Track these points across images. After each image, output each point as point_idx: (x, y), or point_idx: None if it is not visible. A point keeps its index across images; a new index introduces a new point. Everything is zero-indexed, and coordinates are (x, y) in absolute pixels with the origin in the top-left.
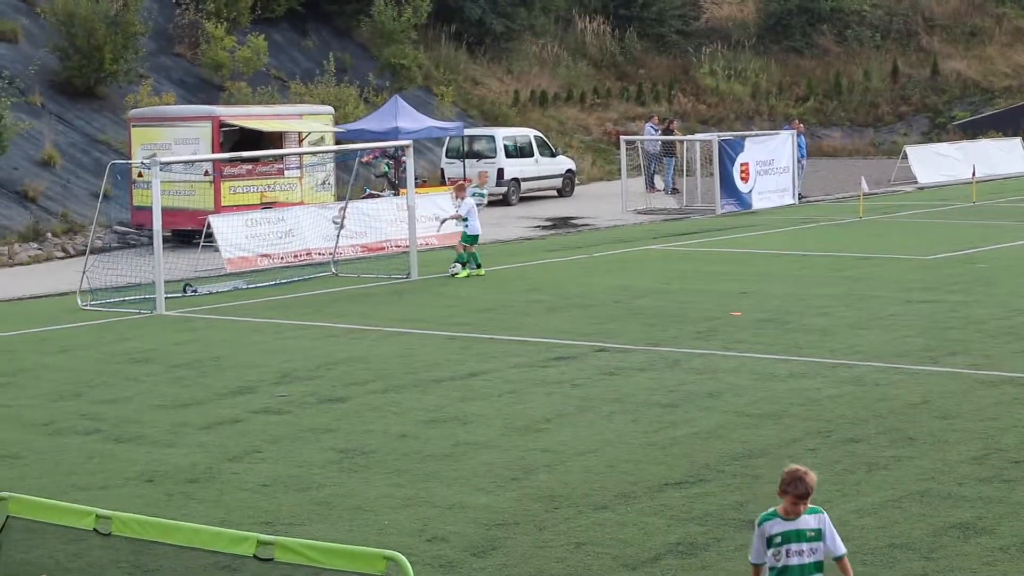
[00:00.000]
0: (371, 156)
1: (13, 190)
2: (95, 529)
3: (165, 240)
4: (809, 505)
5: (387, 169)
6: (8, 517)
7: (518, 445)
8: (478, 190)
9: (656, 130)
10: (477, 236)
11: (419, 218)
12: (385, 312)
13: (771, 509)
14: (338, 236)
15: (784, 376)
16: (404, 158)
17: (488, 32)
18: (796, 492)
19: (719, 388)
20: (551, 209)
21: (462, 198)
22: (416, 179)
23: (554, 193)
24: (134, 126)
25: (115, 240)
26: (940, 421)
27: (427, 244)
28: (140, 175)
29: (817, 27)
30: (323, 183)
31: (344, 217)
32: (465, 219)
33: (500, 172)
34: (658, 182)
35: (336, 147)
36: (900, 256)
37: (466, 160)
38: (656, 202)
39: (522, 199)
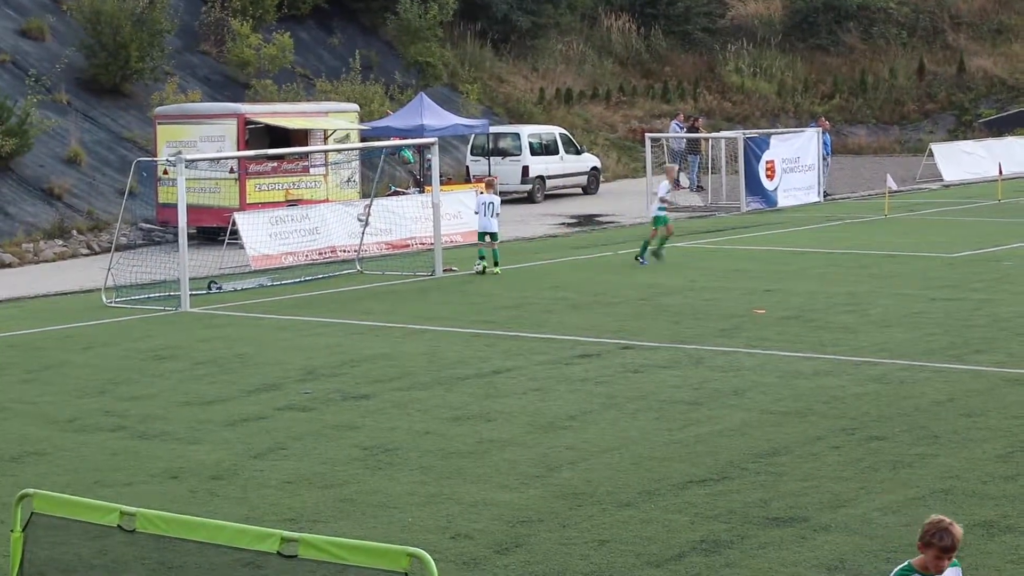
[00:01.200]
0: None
1: (39, 187)
2: (119, 526)
3: (190, 237)
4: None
5: (411, 159)
6: (33, 514)
7: (542, 442)
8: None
9: (682, 127)
10: (490, 233)
11: (444, 215)
12: (410, 309)
13: (907, 563)
14: (363, 233)
15: (809, 374)
16: (429, 156)
17: (514, 29)
18: (942, 545)
19: (743, 386)
20: (576, 207)
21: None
22: (441, 176)
23: (579, 191)
24: (159, 123)
25: (140, 237)
26: (965, 419)
27: (451, 241)
28: (165, 172)
29: (843, 24)
30: (348, 180)
31: (369, 214)
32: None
33: (525, 170)
34: (683, 179)
35: (361, 144)
36: (925, 254)
37: (491, 158)
38: (681, 200)
39: (547, 196)
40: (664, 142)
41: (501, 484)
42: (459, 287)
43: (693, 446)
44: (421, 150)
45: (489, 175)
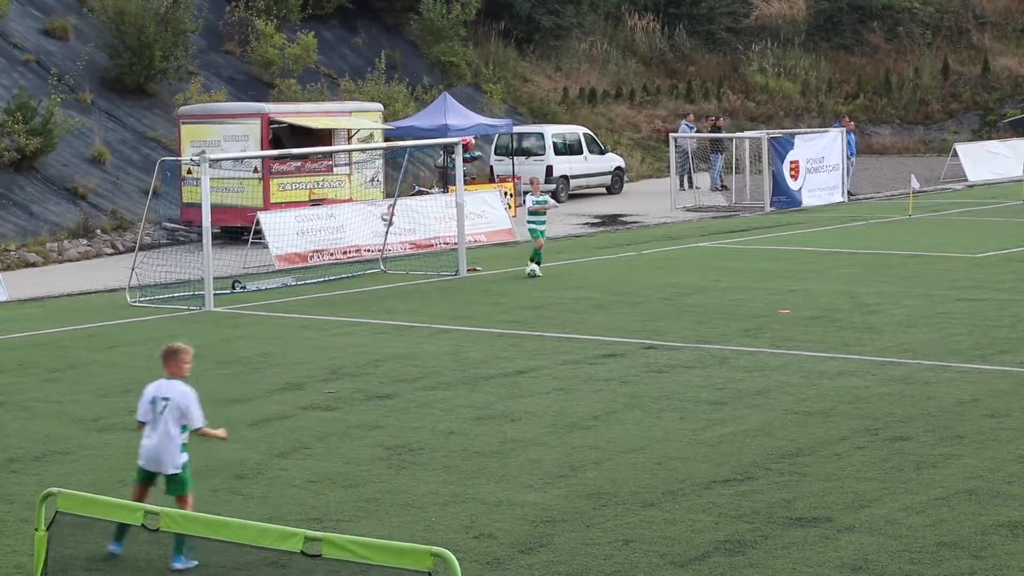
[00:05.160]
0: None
1: (63, 187)
2: (143, 524)
3: (214, 237)
4: None
5: (448, 164)
6: (57, 512)
7: (566, 442)
8: None
9: (691, 128)
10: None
11: (468, 215)
12: (433, 309)
13: None
14: (387, 233)
15: (833, 374)
16: (454, 155)
17: (537, 29)
18: None
19: (767, 386)
20: (600, 206)
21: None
22: (465, 176)
23: (603, 190)
24: (183, 123)
25: (164, 237)
26: (989, 419)
27: (476, 241)
28: (189, 172)
29: (867, 24)
30: (372, 180)
31: (393, 214)
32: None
33: (549, 169)
34: (697, 180)
35: (385, 144)
36: (949, 254)
37: (515, 157)
38: (705, 200)
39: (571, 196)
40: (680, 142)
41: (525, 484)
42: (483, 287)
43: (717, 446)
44: (445, 150)
45: (513, 175)
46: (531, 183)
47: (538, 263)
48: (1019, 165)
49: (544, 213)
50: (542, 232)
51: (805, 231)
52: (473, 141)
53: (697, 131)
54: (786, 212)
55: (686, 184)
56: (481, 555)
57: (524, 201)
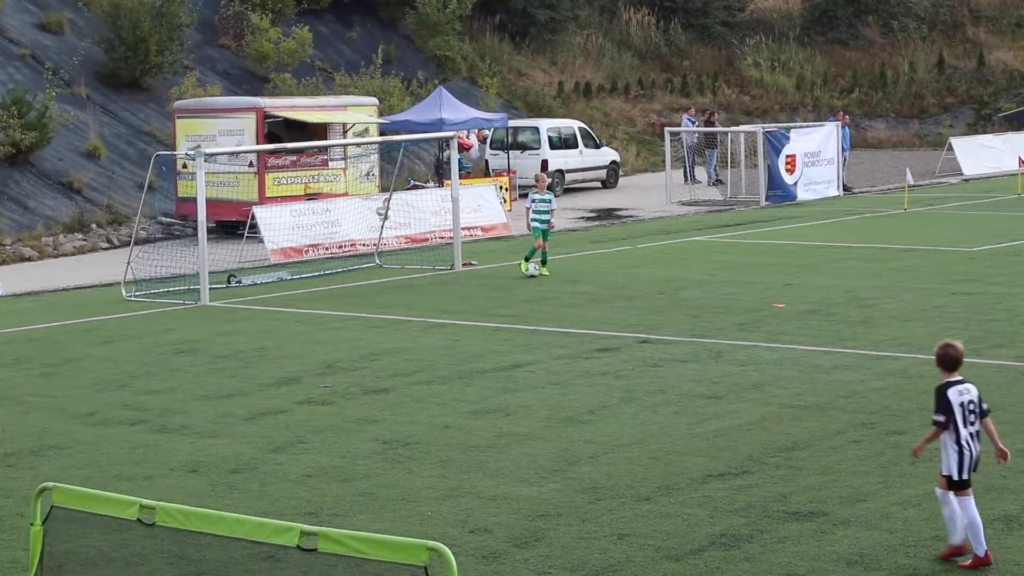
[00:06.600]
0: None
1: (58, 181)
2: (139, 519)
3: (209, 231)
4: None
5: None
6: (52, 507)
7: (561, 436)
8: None
9: (693, 122)
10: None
11: (463, 209)
12: (429, 303)
13: None
14: (382, 227)
15: (828, 368)
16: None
17: (532, 23)
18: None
19: (763, 380)
20: (595, 200)
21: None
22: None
23: (598, 184)
24: (179, 117)
25: (159, 231)
26: None
27: (471, 235)
28: (185, 166)
29: (863, 18)
30: (367, 174)
31: (388, 208)
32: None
33: (544, 163)
34: (698, 173)
35: (380, 138)
36: (945, 248)
37: (510, 151)
38: (700, 194)
39: (566, 190)
40: (682, 136)
41: (520, 478)
42: (478, 281)
43: (712, 440)
44: (440, 147)
45: (509, 169)
46: (536, 180)
47: (543, 262)
48: (1014, 159)
49: (549, 212)
50: (545, 232)
51: (800, 225)
52: (474, 147)
53: (696, 125)
54: (781, 206)
55: (689, 178)
56: (477, 549)
57: (524, 196)
